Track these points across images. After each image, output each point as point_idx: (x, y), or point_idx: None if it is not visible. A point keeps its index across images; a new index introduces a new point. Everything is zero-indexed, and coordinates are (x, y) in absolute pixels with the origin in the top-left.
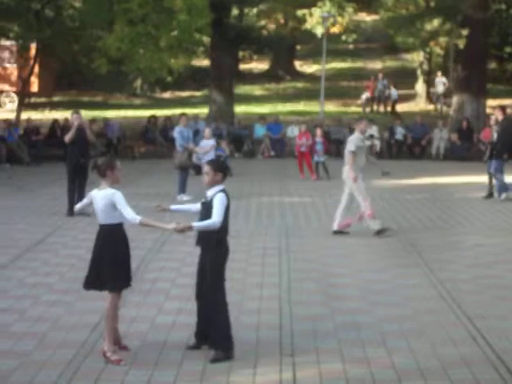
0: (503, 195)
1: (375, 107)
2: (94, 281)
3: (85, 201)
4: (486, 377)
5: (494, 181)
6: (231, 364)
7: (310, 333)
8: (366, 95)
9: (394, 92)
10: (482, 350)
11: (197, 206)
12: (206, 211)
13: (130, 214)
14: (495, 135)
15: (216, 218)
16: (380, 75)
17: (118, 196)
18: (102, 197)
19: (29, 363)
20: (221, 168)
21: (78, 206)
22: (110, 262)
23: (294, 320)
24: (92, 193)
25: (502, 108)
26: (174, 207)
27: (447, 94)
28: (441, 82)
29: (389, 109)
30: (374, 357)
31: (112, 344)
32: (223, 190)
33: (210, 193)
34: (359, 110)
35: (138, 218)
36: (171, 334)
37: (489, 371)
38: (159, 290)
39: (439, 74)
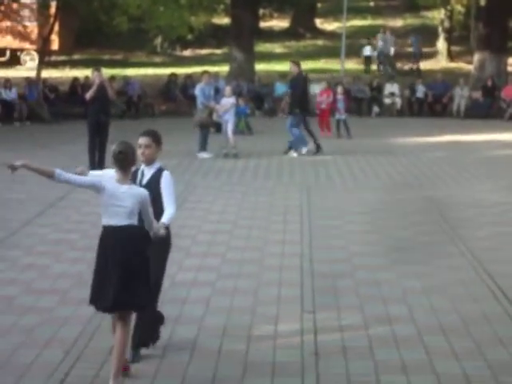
0: (304, 149)
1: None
2: (124, 298)
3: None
4: (507, 334)
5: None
6: (252, 320)
7: (330, 290)
8: (369, 50)
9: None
10: (503, 306)
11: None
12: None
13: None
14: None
15: (175, 206)
16: (382, 30)
17: (148, 201)
18: (130, 194)
19: (52, 319)
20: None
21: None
22: (145, 273)
23: (315, 277)
24: (109, 184)
25: (296, 63)
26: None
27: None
28: (390, 40)
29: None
30: (395, 313)
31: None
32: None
33: (148, 171)
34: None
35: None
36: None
37: (510, 328)
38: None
39: (387, 31)
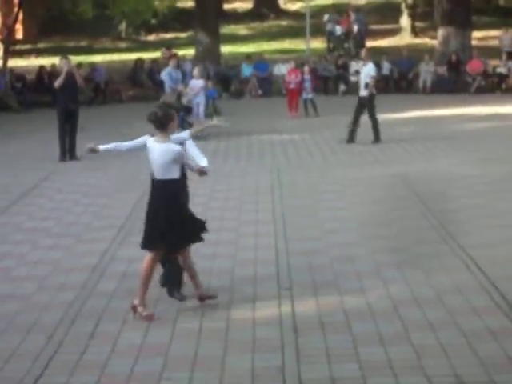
0: None
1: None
2: (156, 238)
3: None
4: (480, 303)
5: None
6: (230, 299)
7: (306, 267)
8: (335, 30)
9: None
10: (476, 277)
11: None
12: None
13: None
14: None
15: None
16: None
17: (182, 153)
18: (162, 152)
19: (31, 305)
20: None
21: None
22: (181, 219)
23: (290, 255)
24: (148, 143)
25: (168, 48)
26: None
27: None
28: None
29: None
30: (370, 288)
31: (143, 299)
32: None
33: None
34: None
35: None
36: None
37: (483, 298)
38: None
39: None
